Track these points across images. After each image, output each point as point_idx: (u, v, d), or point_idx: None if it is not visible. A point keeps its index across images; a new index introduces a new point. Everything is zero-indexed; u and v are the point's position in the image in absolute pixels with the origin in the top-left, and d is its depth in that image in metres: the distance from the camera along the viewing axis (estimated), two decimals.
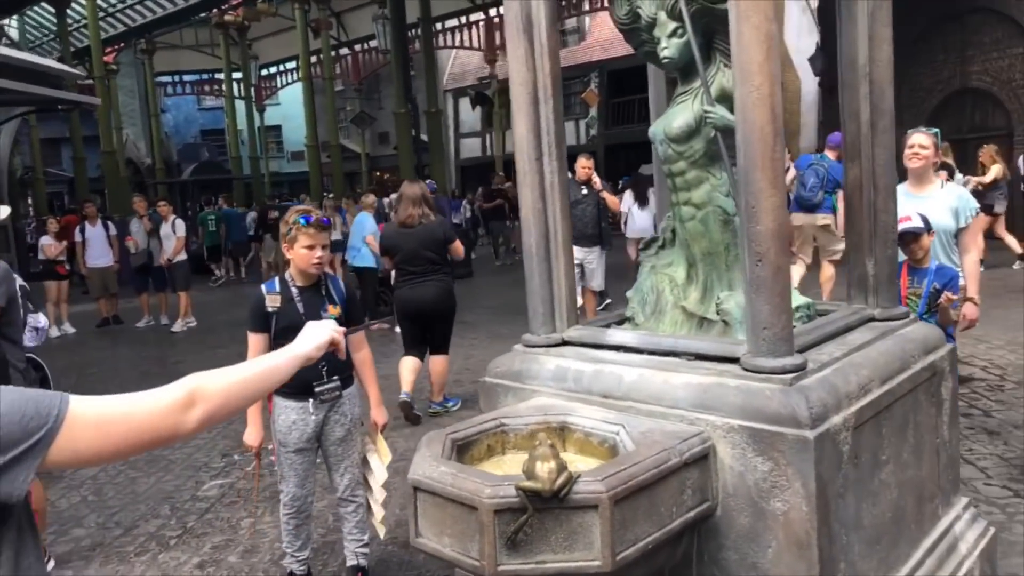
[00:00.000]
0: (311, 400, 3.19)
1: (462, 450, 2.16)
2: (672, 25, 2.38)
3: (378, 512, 3.30)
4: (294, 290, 3.24)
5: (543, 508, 1.75)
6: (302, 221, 3.17)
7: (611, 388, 2.31)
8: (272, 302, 3.22)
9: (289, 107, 33.69)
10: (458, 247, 5.98)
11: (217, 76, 29.73)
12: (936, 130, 4.09)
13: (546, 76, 2.50)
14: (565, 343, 2.60)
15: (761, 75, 1.95)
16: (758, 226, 2.03)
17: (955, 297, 3.57)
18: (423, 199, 5.79)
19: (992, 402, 5.37)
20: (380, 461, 3.30)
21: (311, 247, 3.17)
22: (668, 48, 2.39)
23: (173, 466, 5.26)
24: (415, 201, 5.76)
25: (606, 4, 20.14)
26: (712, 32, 2.39)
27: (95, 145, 19.68)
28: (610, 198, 8.36)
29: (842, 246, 7.02)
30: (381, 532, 3.35)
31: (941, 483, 2.63)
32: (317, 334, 1.64)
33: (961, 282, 3.81)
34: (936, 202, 3.86)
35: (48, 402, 1.11)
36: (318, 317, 3.17)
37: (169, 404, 1.22)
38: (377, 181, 30.31)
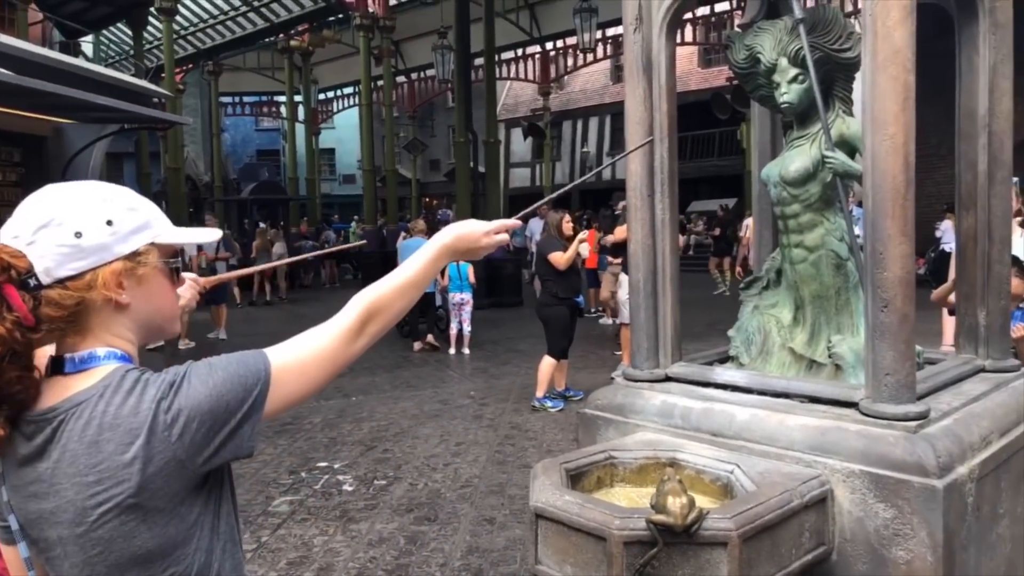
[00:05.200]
0: None
1: (574, 480, 2.19)
2: (793, 71, 2.42)
3: None
4: None
5: (672, 542, 1.77)
6: None
7: (722, 427, 2.32)
8: None
9: (343, 131, 34.46)
10: (552, 256, 6.85)
11: (276, 99, 30.53)
12: (1016, 179, 4.05)
13: (663, 116, 2.56)
14: (669, 379, 2.62)
15: (896, 125, 1.98)
16: (885, 272, 2.04)
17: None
18: (549, 224, 7.24)
19: None
20: None
21: None
22: (788, 93, 2.43)
23: (242, 480, 5.35)
24: (547, 227, 7.33)
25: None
26: (832, 79, 2.43)
27: (156, 161, 20.10)
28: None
29: None
30: None
31: None
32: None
33: None
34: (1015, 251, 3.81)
35: (253, 360, 1.15)
36: None
37: (348, 333, 1.23)
38: (426, 207, 30.71)
